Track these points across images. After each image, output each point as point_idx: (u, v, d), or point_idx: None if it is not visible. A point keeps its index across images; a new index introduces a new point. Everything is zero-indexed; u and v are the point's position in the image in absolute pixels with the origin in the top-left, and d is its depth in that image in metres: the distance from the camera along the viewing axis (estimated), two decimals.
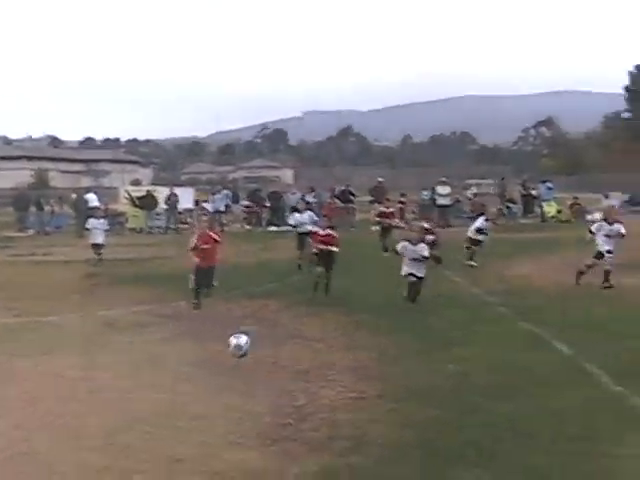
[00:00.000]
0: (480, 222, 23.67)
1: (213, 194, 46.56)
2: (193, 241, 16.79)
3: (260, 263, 24.13)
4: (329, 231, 18.35)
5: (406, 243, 16.41)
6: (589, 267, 18.30)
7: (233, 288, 17.84)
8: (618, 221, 18.90)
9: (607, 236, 18.40)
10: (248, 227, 43.27)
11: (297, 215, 22.83)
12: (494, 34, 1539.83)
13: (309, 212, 23.68)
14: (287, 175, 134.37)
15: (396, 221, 26.38)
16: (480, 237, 23.06)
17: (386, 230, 27.18)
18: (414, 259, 16.11)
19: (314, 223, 21.92)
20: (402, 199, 44.10)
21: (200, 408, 9.30)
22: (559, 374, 10.24)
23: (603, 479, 6.72)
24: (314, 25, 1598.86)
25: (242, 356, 10.86)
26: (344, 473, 7.02)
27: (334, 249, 17.65)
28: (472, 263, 22.34)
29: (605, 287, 17.70)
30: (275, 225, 41.70)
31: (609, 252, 18.22)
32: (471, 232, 23.27)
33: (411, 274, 16.14)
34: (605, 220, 19.01)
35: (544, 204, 45.72)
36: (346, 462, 7.27)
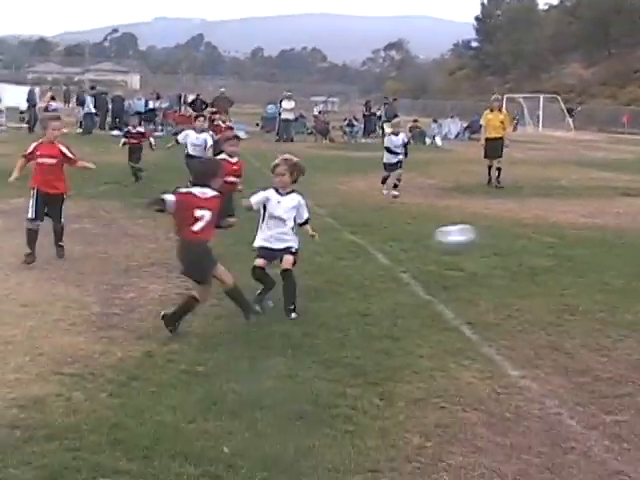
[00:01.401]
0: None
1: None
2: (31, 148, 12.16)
3: (99, 165, 24.18)
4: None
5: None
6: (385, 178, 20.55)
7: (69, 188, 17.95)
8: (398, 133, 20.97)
9: (389, 150, 20.42)
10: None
11: (192, 134, 18.42)
12: None
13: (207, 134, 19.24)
14: (134, 80, 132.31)
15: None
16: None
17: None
18: None
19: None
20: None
21: (31, 296, 9.62)
22: (375, 281, 10.93)
23: (405, 373, 7.36)
24: None
25: None
26: (163, 357, 7.56)
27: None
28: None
29: (393, 196, 19.91)
30: (117, 129, 41.36)
31: (398, 164, 20.32)
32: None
33: None
34: (392, 133, 20.92)
35: (385, 125, 46.80)
36: (167, 349, 7.81)
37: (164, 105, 48.86)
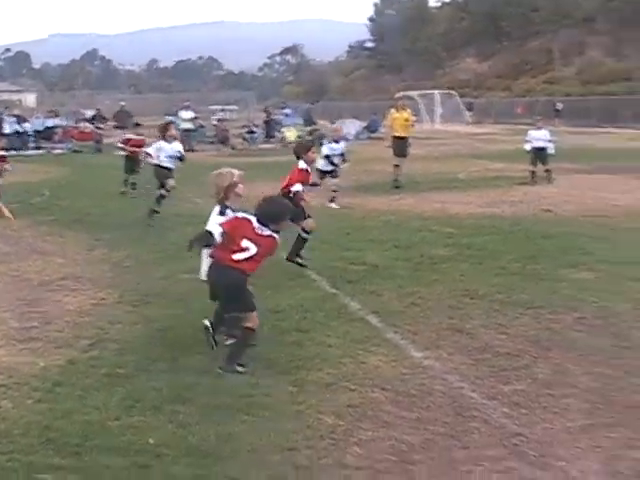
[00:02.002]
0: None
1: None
2: None
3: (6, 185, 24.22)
4: None
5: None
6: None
7: None
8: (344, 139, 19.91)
9: (327, 157, 19.19)
10: None
11: (166, 146, 17.53)
12: None
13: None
14: (29, 99, 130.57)
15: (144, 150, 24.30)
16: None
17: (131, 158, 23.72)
18: None
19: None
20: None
21: None
22: (284, 279, 11.35)
23: (315, 362, 7.78)
24: None
25: None
26: (85, 364, 7.87)
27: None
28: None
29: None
30: (15, 149, 40.98)
31: (332, 172, 19.24)
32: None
33: None
34: (333, 140, 19.83)
35: (284, 129, 47.28)
36: (88, 356, 8.12)
37: (63, 123, 48.55)
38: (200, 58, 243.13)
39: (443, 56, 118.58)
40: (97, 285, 11.41)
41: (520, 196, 20.81)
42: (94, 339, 8.68)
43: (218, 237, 7.79)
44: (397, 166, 23.95)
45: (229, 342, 8.11)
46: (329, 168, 19.20)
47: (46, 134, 44.09)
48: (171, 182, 17.17)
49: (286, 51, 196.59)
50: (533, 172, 24.10)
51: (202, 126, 48.02)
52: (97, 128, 44.11)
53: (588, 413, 6.60)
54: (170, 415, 6.55)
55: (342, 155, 19.67)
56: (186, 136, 43.61)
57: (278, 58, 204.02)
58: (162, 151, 17.25)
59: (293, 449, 5.93)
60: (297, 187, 11.98)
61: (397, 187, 23.23)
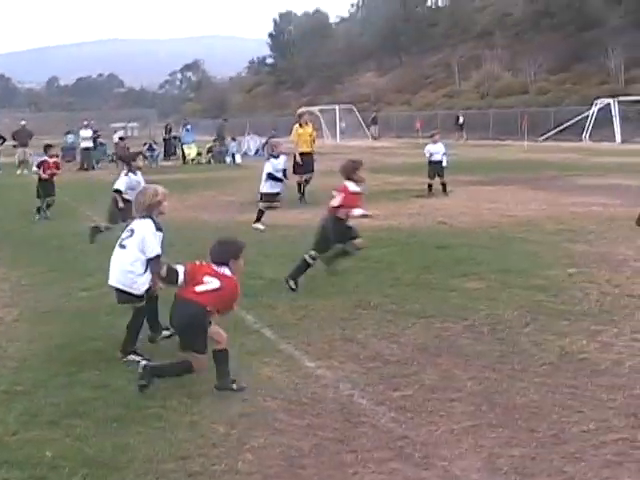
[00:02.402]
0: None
1: None
2: None
3: None
4: None
5: None
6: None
7: None
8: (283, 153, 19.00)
9: (271, 175, 18.25)
10: None
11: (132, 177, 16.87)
12: None
13: None
14: None
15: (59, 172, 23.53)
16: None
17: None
18: None
19: None
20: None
21: None
22: None
23: (210, 374, 7.95)
24: None
25: None
26: None
27: None
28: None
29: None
30: None
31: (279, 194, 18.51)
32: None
33: None
34: (272, 156, 18.73)
35: (185, 147, 47.24)
36: None
37: None
38: (100, 75, 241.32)
39: (343, 71, 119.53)
40: None
41: (417, 208, 21.23)
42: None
43: (182, 276, 7.83)
44: (301, 183, 24.06)
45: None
46: (277, 189, 18.48)
47: None
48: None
49: (187, 67, 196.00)
50: (430, 185, 24.58)
51: (102, 144, 47.74)
52: None
53: (472, 415, 6.89)
54: (67, 429, 6.67)
55: (284, 171, 18.89)
56: (86, 154, 43.46)
57: (179, 75, 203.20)
58: (128, 182, 15.73)
59: (186, 457, 6.11)
60: (358, 212, 12.02)
61: (302, 201, 23.41)
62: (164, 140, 50.48)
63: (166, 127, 52.90)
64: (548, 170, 32.84)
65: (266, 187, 18.33)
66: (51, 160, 22.35)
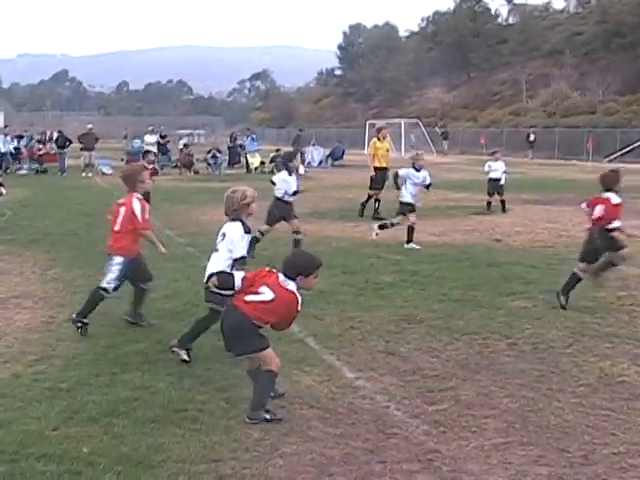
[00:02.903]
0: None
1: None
2: None
3: None
4: None
5: None
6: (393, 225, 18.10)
7: None
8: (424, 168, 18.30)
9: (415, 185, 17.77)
10: None
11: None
12: None
13: None
14: None
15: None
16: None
17: None
18: None
19: None
20: None
21: None
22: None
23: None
24: None
25: None
26: (29, 377, 8.19)
27: None
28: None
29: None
30: None
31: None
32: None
33: None
34: (413, 166, 18.09)
35: (248, 155, 47.55)
36: (33, 370, 8.44)
37: (25, 143, 48.71)
38: (170, 82, 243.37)
39: (411, 85, 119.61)
40: (49, 303, 11.75)
41: (474, 225, 21.27)
42: (40, 355, 9.01)
43: (238, 282, 7.44)
44: (377, 199, 23.28)
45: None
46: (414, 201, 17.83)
47: (14, 155, 44.37)
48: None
49: (255, 76, 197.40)
50: (489, 202, 24.61)
51: (168, 150, 48.22)
52: (60, 149, 44.22)
53: (504, 432, 6.95)
54: (106, 427, 6.87)
55: (429, 185, 18.25)
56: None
57: (247, 83, 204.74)
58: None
59: (218, 460, 6.26)
60: (617, 224, 11.79)
61: (378, 218, 21.40)
62: (229, 148, 50.79)
63: (231, 135, 53.34)
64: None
65: (406, 197, 17.68)
66: (149, 166, 21.59)
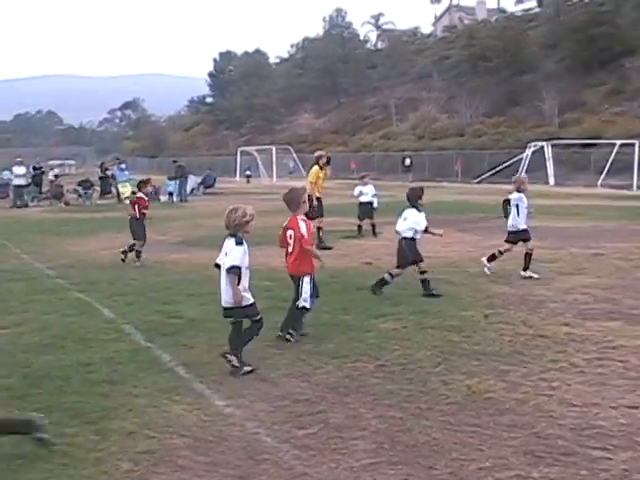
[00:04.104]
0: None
1: None
2: None
3: None
4: None
5: None
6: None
7: None
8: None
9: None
10: None
11: None
12: (83, 14, 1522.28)
13: None
14: None
15: None
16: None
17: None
18: None
19: None
20: None
21: None
22: (99, 334, 11.57)
23: (120, 411, 8.05)
24: None
25: None
26: None
27: None
28: None
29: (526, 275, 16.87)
30: None
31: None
32: None
33: None
34: (518, 191, 17.12)
35: (119, 185, 47.14)
36: None
37: None
38: (39, 112, 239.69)
39: (281, 112, 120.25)
40: None
41: (344, 249, 21.46)
42: None
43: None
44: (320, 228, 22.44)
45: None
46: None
47: None
48: None
49: (126, 105, 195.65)
50: (360, 226, 24.87)
51: (42, 181, 47.50)
52: None
53: (373, 453, 7.06)
54: None
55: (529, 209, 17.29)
56: (19, 192, 43.23)
57: (118, 112, 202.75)
58: None
59: None
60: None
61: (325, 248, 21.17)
62: (100, 178, 50.30)
63: (101, 165, 52.79)
64: (477, 212, 33.36)
65: (522, 224, 17.01)
66: (146, 197, 20.51)
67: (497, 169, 62.79)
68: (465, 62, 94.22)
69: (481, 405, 8.32)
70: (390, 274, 14.60)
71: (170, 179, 48.41)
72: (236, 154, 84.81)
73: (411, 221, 14.54)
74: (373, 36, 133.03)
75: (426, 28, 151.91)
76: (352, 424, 7.79)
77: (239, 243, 9.47)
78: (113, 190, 48.37)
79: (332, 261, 18.80)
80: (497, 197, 40.70)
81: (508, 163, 62.44)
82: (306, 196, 12.30)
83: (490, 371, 9.56)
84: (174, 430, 7.61)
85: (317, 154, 23.75)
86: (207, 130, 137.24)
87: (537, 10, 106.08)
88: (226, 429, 7.67)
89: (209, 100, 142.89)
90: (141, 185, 20.40)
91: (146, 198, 20.26)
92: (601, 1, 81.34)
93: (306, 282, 11.36)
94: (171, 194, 47.07)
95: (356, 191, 25.44)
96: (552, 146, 61.33)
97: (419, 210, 14.49)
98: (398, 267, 14.60)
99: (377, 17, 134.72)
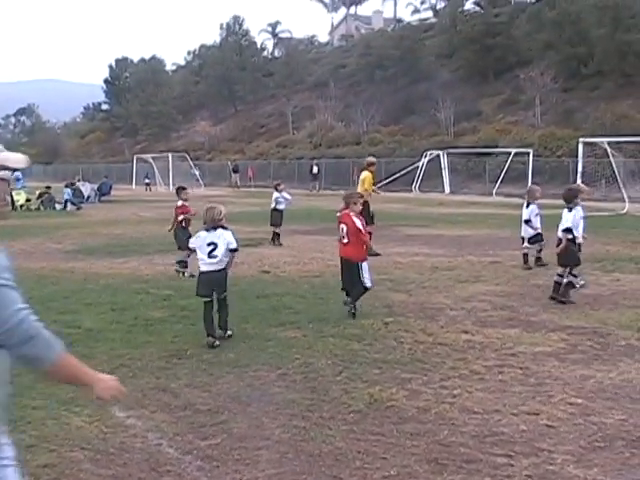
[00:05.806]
0: None
1: None
2: None
3: None
4: None
5: None
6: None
7: None
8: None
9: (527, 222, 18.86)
10: None
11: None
12: None
13: None
14: None
15: None
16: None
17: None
18: None
19: None
20: None
21: None
22: None
23: (19, 424, 7.77)
24: None
25: None
26: None
27: None
28: None
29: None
30: None
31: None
32: None
33: None
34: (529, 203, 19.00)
35: (14, 193, 46.30)
36: None
37: None
38: None
39: (178, 119, 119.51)
40: None
41: (242, 257, 21.37)
42: None
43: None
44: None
45: None
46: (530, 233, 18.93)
47: None
48: None
49: (21, 112, 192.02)
50: (276, 233, 24.81)
51: None
52: None
53: (277, 463, 7.04)
54: None
55: (540, 217, 19.08)
56: None
57: (13, 119, 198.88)
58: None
59: None
60: None
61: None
62: None
63: None
64: (376, 220, 33.56)
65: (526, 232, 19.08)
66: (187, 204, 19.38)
67: (394, 177, 63.26)
68: (361, 71, 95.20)
69: (383, 413, 8.36)
70: (573, 275, 14.70)
71: (66, 186, 47.71)
72: (132, 161, 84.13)
73: (564, 220, 14.74)
74: (270, 44, 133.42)
75: (323, 37, 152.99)
76: (255, 434, 7.76)
77: (226, 228, 11.93)
78: (7, 197, 47.48)
79: (230, 269, 18.80)
80: (394, 205, 41.25)
81: (405, 171, 63.03)
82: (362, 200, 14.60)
83: (391, 379, 9.62)
84: (74, 443, 7.49)
85: (370, 160, 23.92)
86: (103, 137, 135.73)
87: (433, 20, 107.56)
88: (128, 441, 7.57)
89: (105, 107, 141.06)
90: (180, 192, 19.44)
91: (187, 204, 19.23)
92: (496, 12, 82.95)
93: (364, 266, 13.61)
94: (67, 202, 46.36)
95: (278, 198, 25.04)
96: (448, 155, 62.16)
97: (569, 210, 14.67)
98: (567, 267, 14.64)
99: (274, 25, 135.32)
